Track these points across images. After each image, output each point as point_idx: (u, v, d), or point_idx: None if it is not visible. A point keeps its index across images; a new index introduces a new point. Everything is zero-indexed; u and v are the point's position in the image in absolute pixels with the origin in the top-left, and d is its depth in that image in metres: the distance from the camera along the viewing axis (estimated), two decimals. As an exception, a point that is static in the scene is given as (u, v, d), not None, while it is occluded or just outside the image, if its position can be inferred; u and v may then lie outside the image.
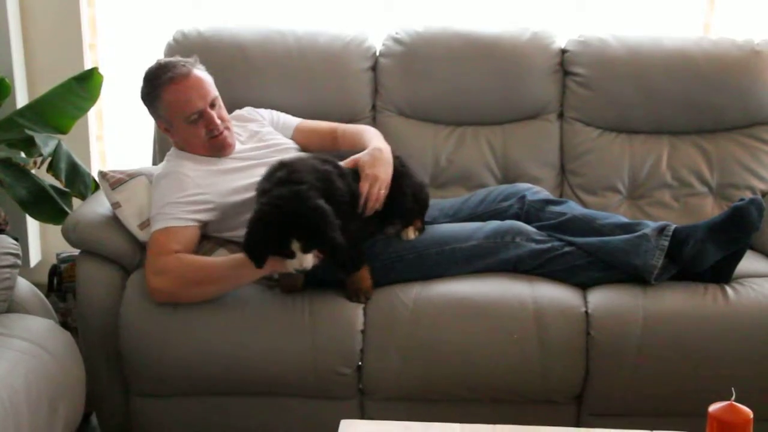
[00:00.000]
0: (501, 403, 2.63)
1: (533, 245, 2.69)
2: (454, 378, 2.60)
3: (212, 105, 2.75)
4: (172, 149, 2.86)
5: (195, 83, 2.73)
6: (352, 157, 2.68)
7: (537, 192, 2.90)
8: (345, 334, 2.58)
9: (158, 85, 2.72)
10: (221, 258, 2.63)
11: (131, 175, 2.80)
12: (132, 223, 2.73)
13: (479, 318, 2.59)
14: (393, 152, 2.76)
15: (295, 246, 2.36)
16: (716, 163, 3.16)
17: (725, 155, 3.16)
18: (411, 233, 2.73)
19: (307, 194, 2.37)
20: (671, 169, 3.16)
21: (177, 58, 2.81)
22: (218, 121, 2.75)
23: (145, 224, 2.73)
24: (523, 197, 2.86)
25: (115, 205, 2.75)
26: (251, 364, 2.59)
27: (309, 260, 2.39)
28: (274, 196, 2.39)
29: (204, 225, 2.70)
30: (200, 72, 2.78)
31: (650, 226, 2.65)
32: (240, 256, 2.52)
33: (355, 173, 2.64)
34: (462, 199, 3.00)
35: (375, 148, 2.72)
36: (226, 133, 2.78)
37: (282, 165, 2.52)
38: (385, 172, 2.66)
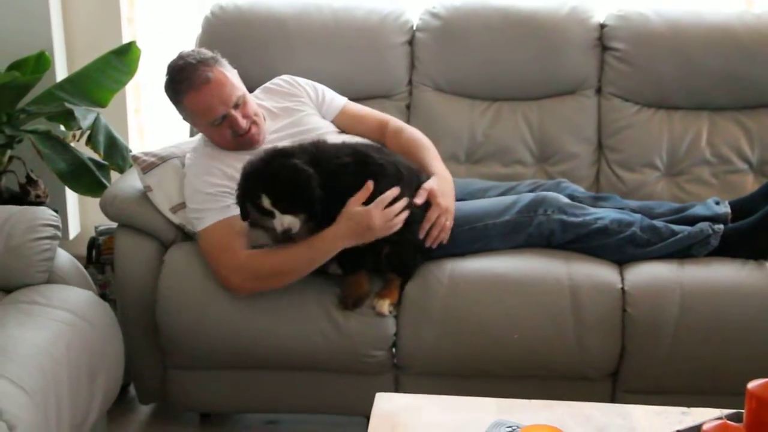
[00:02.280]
0: (535, 379, 2.63)
1: (564, 217, 2.67)
2: (489, 354, 2.60)
3: (236, 105, 2.65)
4: (202, 135, 2.80)
5: (216, 88, 2.62)
6: (425, 187, 2.59)
7: (562, 199, 2.76)
8: (378, 321, 2.59)
9: (178, 91, 2.65)
10: (288, 247, 2.54)
11: (163, 158, 2.79)
12: (164, 207, 2.73)
13: (514, 294, 2.58)
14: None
15: (266, 203, 2.36)
16: (757, 140, 3.10)
17: (767, 132, 3.11)
18: (385, 307, 2.58)
19: (288, 158, 2.38)
20: (711, 145, 3.12)
21: (198, 55, 2.67)
22: (243, 122, 2.65)
23: (176, 208, 2.73)
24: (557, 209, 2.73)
25: (147, 189, 2.75)
26: (284, 343, 2.61)
27: (289, 220, 2.37)
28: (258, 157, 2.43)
29: None
30: (221, 72, 2.65)
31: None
32: (308, 240, 2.49)
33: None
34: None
35: (442, 177, 2.67)
36: (253, 129, 2.68)
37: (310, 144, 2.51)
38: (451, 204, 2.64)
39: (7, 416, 1.88)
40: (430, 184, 2.61)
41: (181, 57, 2.69)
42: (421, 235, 2.57)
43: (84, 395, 2.23)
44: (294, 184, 2.36)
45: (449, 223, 2.60)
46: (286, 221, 2.37)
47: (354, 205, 2.45)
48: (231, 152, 2.69)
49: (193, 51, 2.72)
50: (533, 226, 2.68)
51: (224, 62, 2.70)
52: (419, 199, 2.55)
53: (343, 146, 2.56)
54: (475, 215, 2.71)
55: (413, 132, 2.86)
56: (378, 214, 2.45)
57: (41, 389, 2.03)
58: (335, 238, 2.46)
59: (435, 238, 2.58)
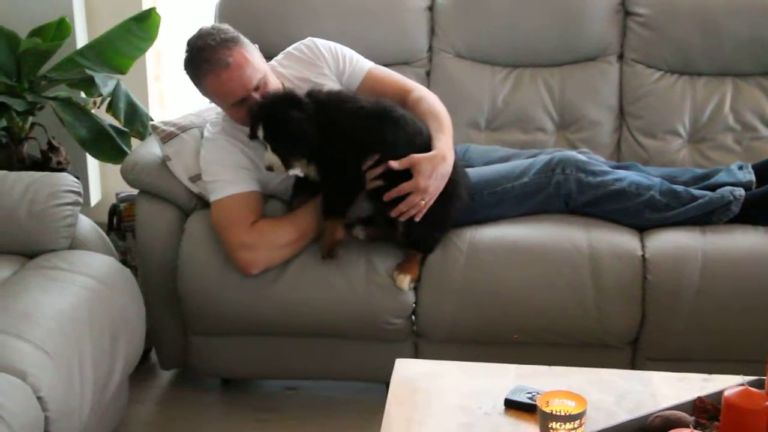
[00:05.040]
0: (555, 346, 2.63)
1: (582, 176, 2.66)
2: (508, 322, 2.60)
3: (256, 87, 2.59)
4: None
5: (236, 72, 2.55)
6: (411, 157, 2.48)
7: (579, 157, 2.74)
8: (397, 290, 2.60)
9: (198, 72, 2.59)
10: (296, 213, 2.61)
11: (183, 128, 2.78)
12: (183, 176, 2.73)
13: (534, 262, 2.58)
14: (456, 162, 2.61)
15: (260, 134, 2.47)
16: (782, 106, 3.07)
17: (792, 98, 3.08)
18: (406, 283, 2.60)
19: (292, 106, 2.47)
20: (734, 111, 3.08)
21: (218, 35, 2.58)
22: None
23: (196, 177, 2.72)
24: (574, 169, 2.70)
25: (166, 158, 2.75)
26: (305, 311, 2.62)
27: (273, 159, 2.46)
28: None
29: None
30: (242, 55, 2.56)
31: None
32: (315, 202, 2.57)
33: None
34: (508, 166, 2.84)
35: (439, 154, 2.51)
36: None
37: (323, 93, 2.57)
38: (436, 188, 2.51)
39: (32, 379, 1.90)
40: (417, 156, 2.50)
41: (200, 36, 2.61)
42: (386, 198, 2.52)
43: (106, 359, 2.25)
44: (286, 136, 2.45)
45: (424, 203, 2.50)
46: (269, 159, 2.48)
47: None
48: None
49: (213, 30, 2.61)
50: (552, 186, 2.67)
51: (245, 41, 2.62)
52: (396, 164, 2.48)
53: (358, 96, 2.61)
54: (494, 179, 2.70)
55: (432, 103, 2.72)
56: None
57: (64, 353, 2.05)
58: None
59: (401, 211, 2.50)
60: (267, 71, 2.65)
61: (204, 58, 2.57)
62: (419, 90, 2.78)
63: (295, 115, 2.44)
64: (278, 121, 2.45)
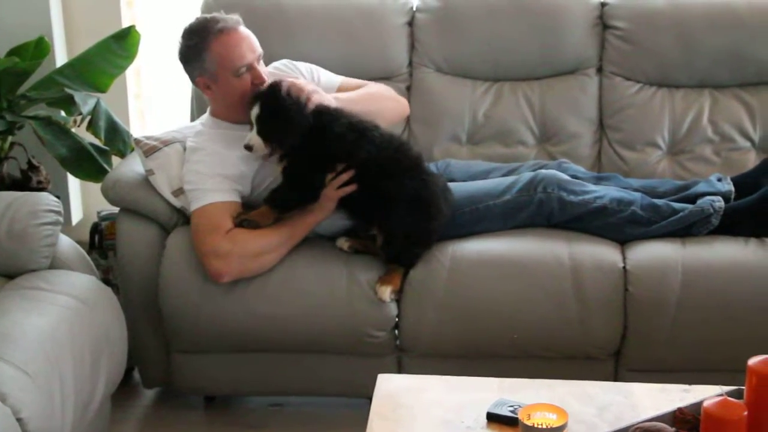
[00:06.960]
0: (538, 359, 2.64)
1: (563, 195, 2.67)
2: (491, 335, 2.61)
3: (259, 59, 2.68)
4: (207, 117, 2.80)
5: (245, 35, 2.66)
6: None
7: (561, 176, 2.77)
8: (380, 302, 2.60)
9: (207, 36, 2.63)
10: (274, 224, 2.61)
11: (166, 142, 2.78)
12: (165, 191, 2.73)
13: (516, 275, 2.59)
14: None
15: (254, 113, 2.51)
16: (759, 117, 3.08)
17: (769, 109, 3.10)
18: (387, 294, 2.60)
19: (295, 101, 2.53)
20: (713, 123, 3.10)
21: (221, 14, 2.73)
22: (265, 77, 2.68)
23: (178, 191, 2.72)
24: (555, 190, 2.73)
25: (149, 172, 2.75)
26: (288, 324, 2.62)
27: (256, 140, 2.51)
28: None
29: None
30: (246, 28, 2.70)
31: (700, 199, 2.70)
32: (292, 215, 2.60)
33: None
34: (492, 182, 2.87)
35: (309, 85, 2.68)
36: None
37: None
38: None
39: (12, 401, 1.89)
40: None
41: (200, 16, 2.74)
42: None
43: (88, 379, 2.24)
44: (278, 121, 2.50)
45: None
46: (252, 138, 2.53)
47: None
48: (236, 141, 2.67)
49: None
50: (534, 204, 2.68)
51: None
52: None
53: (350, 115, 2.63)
54: (476, 196, 2.71)
55: (370, 86, 2.93)
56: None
57: (45, 374, 2.04)
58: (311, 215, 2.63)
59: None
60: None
61: (213, 24, 2.66)
62: (373, 84, 2.93)
63: (292, 104, 2.51)
64: (276, 105, 2.51)
